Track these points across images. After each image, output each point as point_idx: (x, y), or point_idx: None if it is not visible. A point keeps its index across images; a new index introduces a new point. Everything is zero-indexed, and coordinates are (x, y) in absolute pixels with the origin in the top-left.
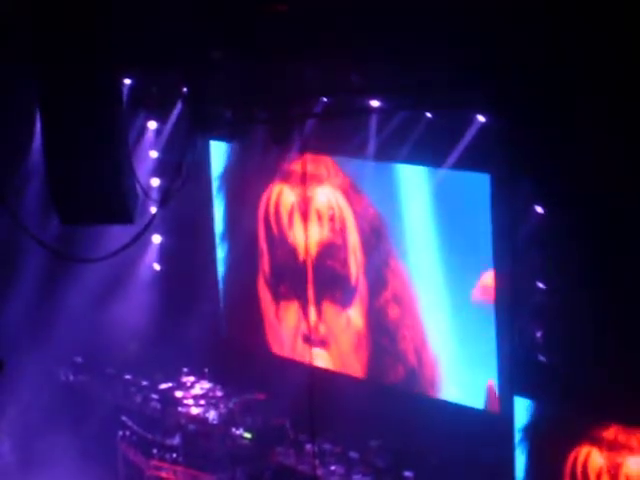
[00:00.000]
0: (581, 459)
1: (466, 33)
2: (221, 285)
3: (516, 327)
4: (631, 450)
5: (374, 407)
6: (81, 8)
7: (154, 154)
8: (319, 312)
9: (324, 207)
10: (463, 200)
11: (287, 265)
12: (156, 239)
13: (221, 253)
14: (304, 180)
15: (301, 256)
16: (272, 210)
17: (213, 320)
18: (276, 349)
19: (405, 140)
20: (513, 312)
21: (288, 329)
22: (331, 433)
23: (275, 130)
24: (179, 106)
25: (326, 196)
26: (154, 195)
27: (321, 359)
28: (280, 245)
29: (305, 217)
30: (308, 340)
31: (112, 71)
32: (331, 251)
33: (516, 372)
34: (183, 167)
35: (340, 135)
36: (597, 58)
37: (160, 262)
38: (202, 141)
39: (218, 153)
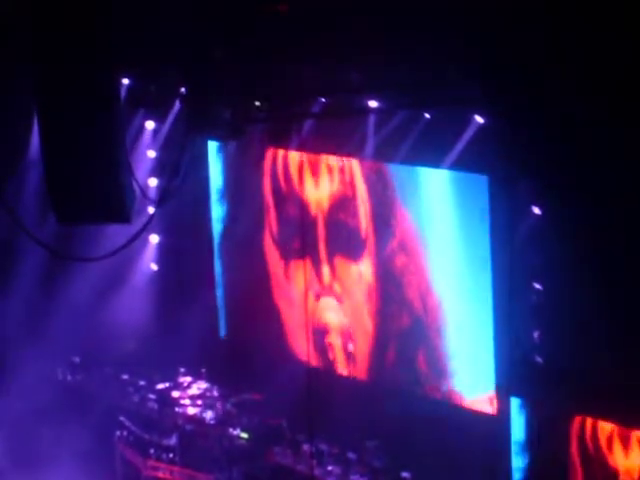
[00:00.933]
0: (589, 423)
1: (466, 33)
2: (220, 279)
3: (513, 328)
4: None
5: (372, 407)
6: (81, 8)
7: (152, 154)
8: (332, 269)
9: (334, 159)
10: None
11: (297, 222)
12: (154, 239)
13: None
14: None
15: (312, 212)
16: (280, 167)
17: (210, 320)
18: (285, 311)
19: (403, 141)
20: (510, 313)
21: (298, 288)
22: (328, 433)
23: (274, 129)
24: (177, 106)
25: None
26: (152, 195)
27: (333, 311)
28: (289, 202)
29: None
30: (319, 297)
31: (111, 71)
32: (342, 204)
33: (513, 373)
34: (181, 167)
35: (338, 135)
36: (597, 58)
37: (157, 262)
38: (200, 141)
39: (215, 153)
